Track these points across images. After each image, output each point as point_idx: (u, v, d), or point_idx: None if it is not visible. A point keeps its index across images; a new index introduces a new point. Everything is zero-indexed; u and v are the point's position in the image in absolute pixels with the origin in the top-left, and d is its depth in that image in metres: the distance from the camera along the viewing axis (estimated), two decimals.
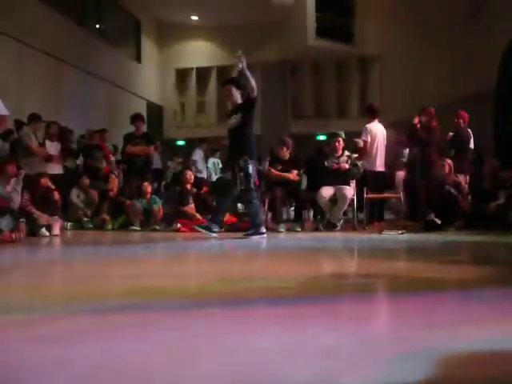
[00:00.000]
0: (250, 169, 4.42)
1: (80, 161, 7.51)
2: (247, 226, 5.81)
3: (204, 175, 8.88)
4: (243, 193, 4.54)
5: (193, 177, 6.59)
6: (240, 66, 4.48)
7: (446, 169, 5.62)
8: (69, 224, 6.44)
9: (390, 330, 1.47)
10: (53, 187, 5.76)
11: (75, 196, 6.73)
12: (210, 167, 9.40)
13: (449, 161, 5.72)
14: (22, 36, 8.76)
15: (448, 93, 9.96)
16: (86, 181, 6.83)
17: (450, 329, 1.38)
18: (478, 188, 5.95)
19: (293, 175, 6.03)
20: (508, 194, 5.38)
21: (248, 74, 4.48)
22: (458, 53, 10.23)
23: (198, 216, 6.09)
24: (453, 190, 5.51)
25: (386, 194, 6.45)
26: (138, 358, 1.09)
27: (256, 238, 4.44)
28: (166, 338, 1.26)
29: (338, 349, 1.21)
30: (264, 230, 4.60)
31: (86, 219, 6.64)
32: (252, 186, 4.47)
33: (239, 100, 4.64)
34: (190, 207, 6.21)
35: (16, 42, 8.65)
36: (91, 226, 6.54)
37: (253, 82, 4.49)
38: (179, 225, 5.96)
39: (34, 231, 5.27)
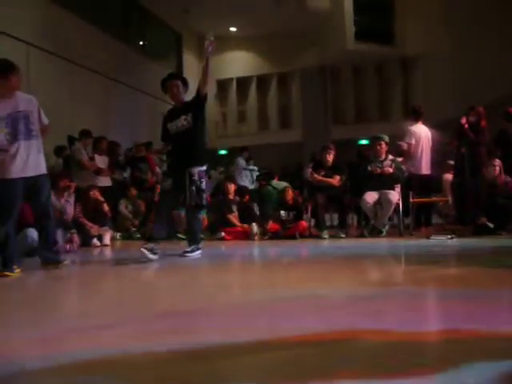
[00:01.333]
0: (204, 183, 3.93)
1: (127, 173, 7.77)
2: (291, 232, 5.82)
3: (247, 183, 8.96)
4: (192, 208, 3.96)
5: (234, 187, 6.64)
6: (209, 49, 3.80)
7: (497, 170, 5.38)
8: (118, 234, 6.67)
9: (442, 340, 1.43)
10: (102, 199, 6.00)
11: (123, 207, 6.97)
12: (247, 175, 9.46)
13: (498, 161, 5.47)
14: (73, 56, 9.24)
15: (497, 91, 9.55)
16: (134, 192, 7.06)
17: (508, 340, 1.33)
18: None
19: (335, 180, 5.98)
20: None
21: (210, 63, 3.88)
22: (507, 49, 9.79)
23: (241, 225, 6.14)
24: (505, 192, 5.26)
25: (433, 198, 6.25)
26: None
27: (196, 254, 3.96)
28: None
29: (392, 354, 1.19)
30: (201, 246, 4.11)
31: (133, 229, 6.85)
32: (204, 202, 3.98)
33: (185, 98, 4.07)
34: (234, 216, 6.28)
35: (67, 62, 9.14)
36: (139, 235, 6.74)
37: (209, 75, 3.96)
38: (223, 233, 6.04)
39: (86, 241, 5.51)
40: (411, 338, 1.36)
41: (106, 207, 5.97)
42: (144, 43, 12.85)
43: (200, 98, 3.97)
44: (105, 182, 6.70)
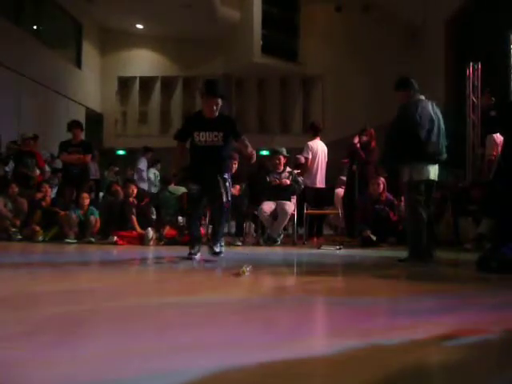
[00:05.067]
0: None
1: (9, 167, 7.05)
2: (188, 239, 5.72)
3: (146, 185, 8.66)
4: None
5: (136, 190, 6.36)
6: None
7: (381, 187, 5.86)
8: None
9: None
10: None
11: (2, 205, 6.29)
12: (151, 178, 9.17)
13: (382, 179, 5.96)
14: None
15: (390, 114, 10.40)
16: (15, 189, 6.42)
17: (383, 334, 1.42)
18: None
19: (235, 190, 6.03)
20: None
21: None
22: (393, 75, 10.71)
23: (139, 229, 5.90)
24: (386, 208, 5.75)
25: (325, 210, 6.61)
26: None
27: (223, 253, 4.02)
28: None
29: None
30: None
31: (14, 230, 6.22)
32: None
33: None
34: (132, 219, 6.01)
35: None
36: (20, 237, 6.13)
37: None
38: (116, 238, 5.74)
39: None
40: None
41: None
42: (39, 28, 11.82)
43: (237, 135, 3.93)
44: None
